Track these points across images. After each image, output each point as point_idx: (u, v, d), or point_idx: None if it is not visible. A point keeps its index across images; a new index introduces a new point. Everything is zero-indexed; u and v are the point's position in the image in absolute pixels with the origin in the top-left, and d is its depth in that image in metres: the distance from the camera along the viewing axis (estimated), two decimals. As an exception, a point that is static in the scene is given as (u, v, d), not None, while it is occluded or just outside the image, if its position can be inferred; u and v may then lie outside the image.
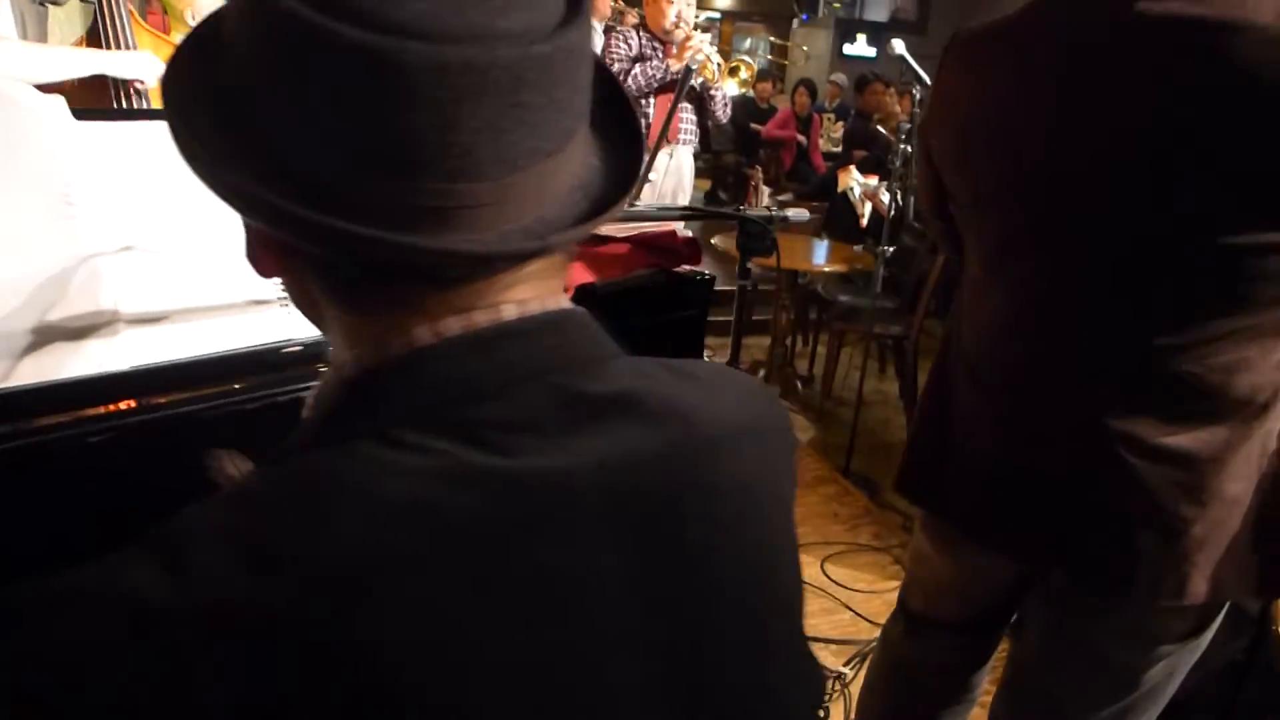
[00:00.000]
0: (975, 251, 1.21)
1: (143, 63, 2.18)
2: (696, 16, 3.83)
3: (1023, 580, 1.31)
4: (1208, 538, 1.07)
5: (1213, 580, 1.09)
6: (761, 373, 4.53)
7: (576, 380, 0.51)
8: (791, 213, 1.52)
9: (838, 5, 12.29)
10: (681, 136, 3.84)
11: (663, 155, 3.83)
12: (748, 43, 13.00)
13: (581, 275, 1.37)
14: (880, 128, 5.96)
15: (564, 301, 0.55)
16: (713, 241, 4.45)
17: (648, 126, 3.77)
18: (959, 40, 1.19)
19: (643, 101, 3.73)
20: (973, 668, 1.47)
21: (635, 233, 1.46)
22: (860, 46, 11.14)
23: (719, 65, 3.65)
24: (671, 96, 3.76)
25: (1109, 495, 1.10)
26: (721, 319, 4.91)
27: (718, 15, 11.94)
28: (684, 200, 4.04)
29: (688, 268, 1.47)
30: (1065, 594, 1.22)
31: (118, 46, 2.39)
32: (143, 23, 2.60)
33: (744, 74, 3.73)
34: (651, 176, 3.78)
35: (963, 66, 1.17)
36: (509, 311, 0.51)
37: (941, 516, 1.33)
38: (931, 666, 1.48)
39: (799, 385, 4.53)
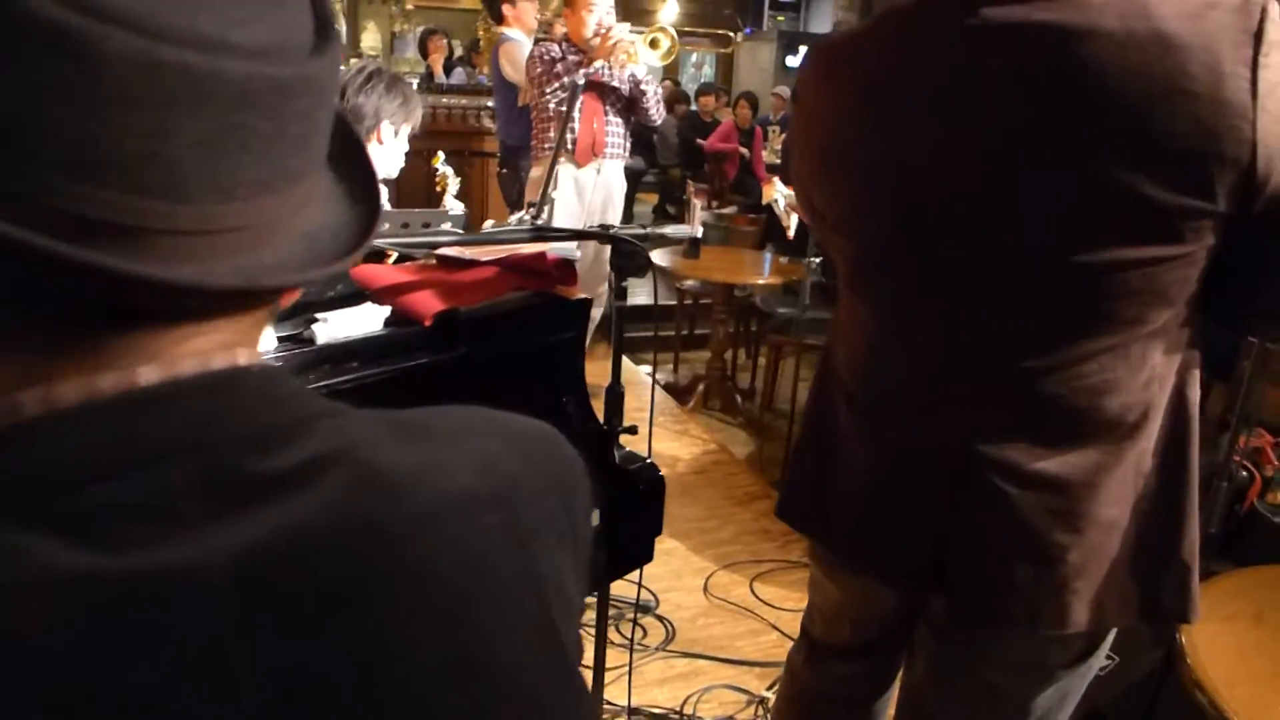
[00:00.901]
0: (841, 270, 1.16)
1: None
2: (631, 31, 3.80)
3: (910, 607, 1.26)
4: (1086, 565, 1.02)
5: (1094, 607, 1.04)
6: (702, 387, 4.49)
7: (238, 454, 0.44)
8: (670, 230, 1.46)
9: (781, 19, 12.42)
10: (609, 150, 3.79)
11: (589, 170, 3.78)
12: (694, 57, 13.06)
13: (438, 303, 1.30)
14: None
15: (244, 359, 0.47)
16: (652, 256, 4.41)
17: (574, 141, 3.72)
18: (816, 51, 1.14)
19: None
20: (872, 696, 1.41)
21: (504, 256, 1.39)
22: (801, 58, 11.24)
23: (642, 40, 3.61)
24: (598, 108, 3.71)
25: (983, 523, 1.05)
26: (664, 334, 4.85)
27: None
28: (614, 216, 3.98)
29: (560, 290, 1.41)
30: (948, 622, 1.17)
31: None
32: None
33: (665, 43, 3.68)
34: (555, 193, 3.73)
35: (818, 79, 1.12)
36: (149, 375, 0.43)
37: (821, 543, 1.28)
38: (830, 695, 1.42)
39: (739, 399, 4.49)
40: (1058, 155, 0.91)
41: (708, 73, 12.31)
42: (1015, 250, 0.96)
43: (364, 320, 1.25)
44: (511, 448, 0.56)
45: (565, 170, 3.75)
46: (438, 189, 3.06)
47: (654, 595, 2.62)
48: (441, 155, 3.10)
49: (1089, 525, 1.00)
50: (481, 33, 7.07)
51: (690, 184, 4.97)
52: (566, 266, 1.41)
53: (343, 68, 2.83)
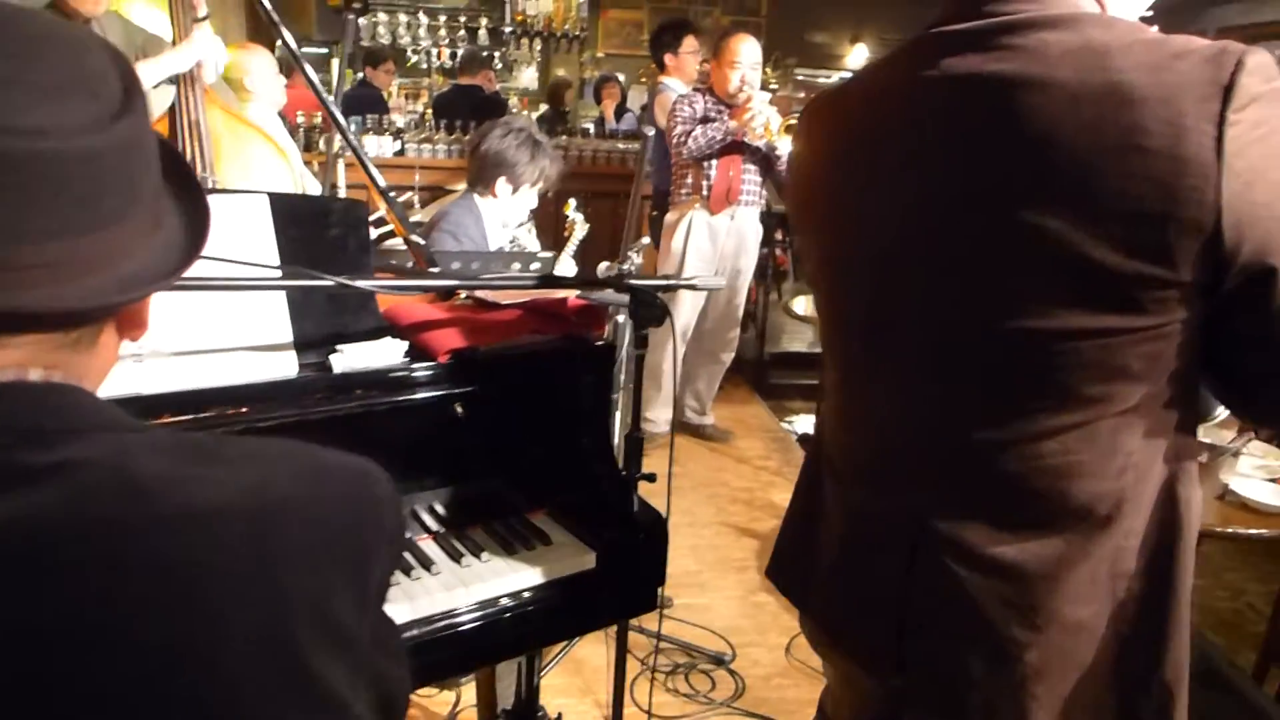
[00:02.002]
0: (819, 328, 1.13)
1: (198, 48, 2.46)
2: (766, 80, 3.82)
3: (888, 690, 1.17)
4: (1048, 668, 0.91)
5: (1061, 716, 0.93)
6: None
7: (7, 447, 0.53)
8: (700, 280, 1.45)
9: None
10: (743, 198, 3.80)
11: (723, 216, 3.80)
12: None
13: (456, 341, 1.36)
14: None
15: (35, 375, 0.56)
16: (792, 305, 4.35)
17: (709, 187, 3.76)
18: (808, 104, 1.13)
19: (704, 164, 3.73)
20: None
21: (529, 300, 1.44)
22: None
23: (780, 125, 3.60)
24: (735, 158, 3.74)
25: (937, 607, 0.97)
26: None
27: (849, 74, 11.83)
28: (747, 262, 3.97)
29: (584, 334, 1.44)
30: (910, 712, 1.08)
31: (192, 120, 2.64)
32: (217, 98, 2.87)
33: None
34: (689, 240, 3.76)
35: (804, 131, 1.10)
36: None
37: (804, 612, 1.22)
38: None
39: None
40: (1004, 212, 0.84)
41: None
42: (966, 313, 0.89)
43: (382, 354, 1.33)
44: (298, 478, 0.61)
45: (700, 216, 3.80)
46: (565, 234, 3.19)
47: (731, 648, 2.56)
48: (573, 202, 3.23)
49: (1050, 623, 0.90)
50: (644, 80, 7.29)
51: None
52: (589, 313, 1.44)
53: (489, 123, 3.05)
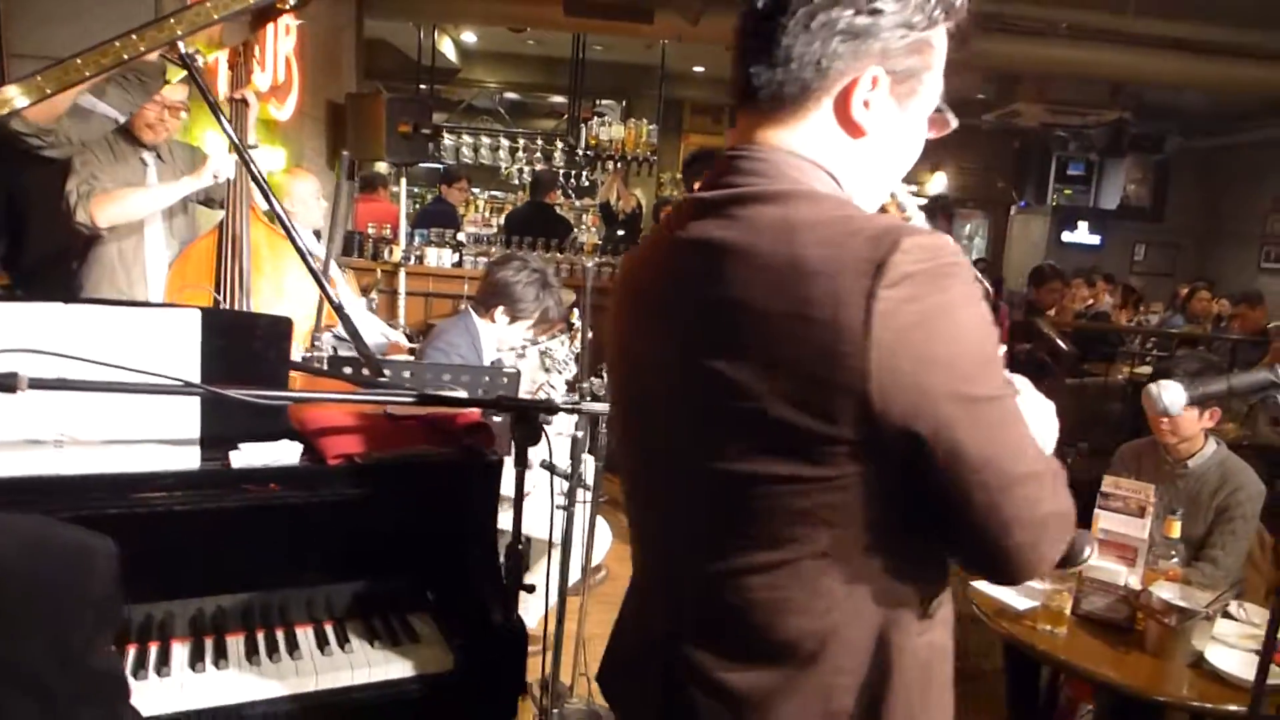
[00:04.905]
0: None
1: (218, 166, 2.74)
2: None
3: None
4: None
5: None
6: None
7: None
8: (587, 406, 1.56)
9: (1069, 191, 11.85)
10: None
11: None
12: (966, 227, 12.80)
13: (350, 446, 1.50)
14: (1045, 327, 5.64)
15: None
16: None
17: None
18: (625, 254, 1.26)
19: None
20: None
21: (428, 414, 1.58)
22: (1081, 234, 10.60)
23: None
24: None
25: None
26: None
27: (924, 200, 11.93)
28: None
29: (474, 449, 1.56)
30: None
31: (236, 235, 2.93)
32: (260, 216, 3.18)
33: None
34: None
35: (617, 281, 1.22)
36: None
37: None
38: None
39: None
40: (708, 364, 0.91)
41: (979, 244, 11.97)
42: (691, 454, 0.96)
43: (279, 453, 1.48)
44: (21, 549, 0.75)
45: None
46: (571, 340, 3.37)
47: None
48: (577, 310, 3.42)
49: None
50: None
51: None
52: (480, 429, 1.57)
53: (510, 251, 3.24)
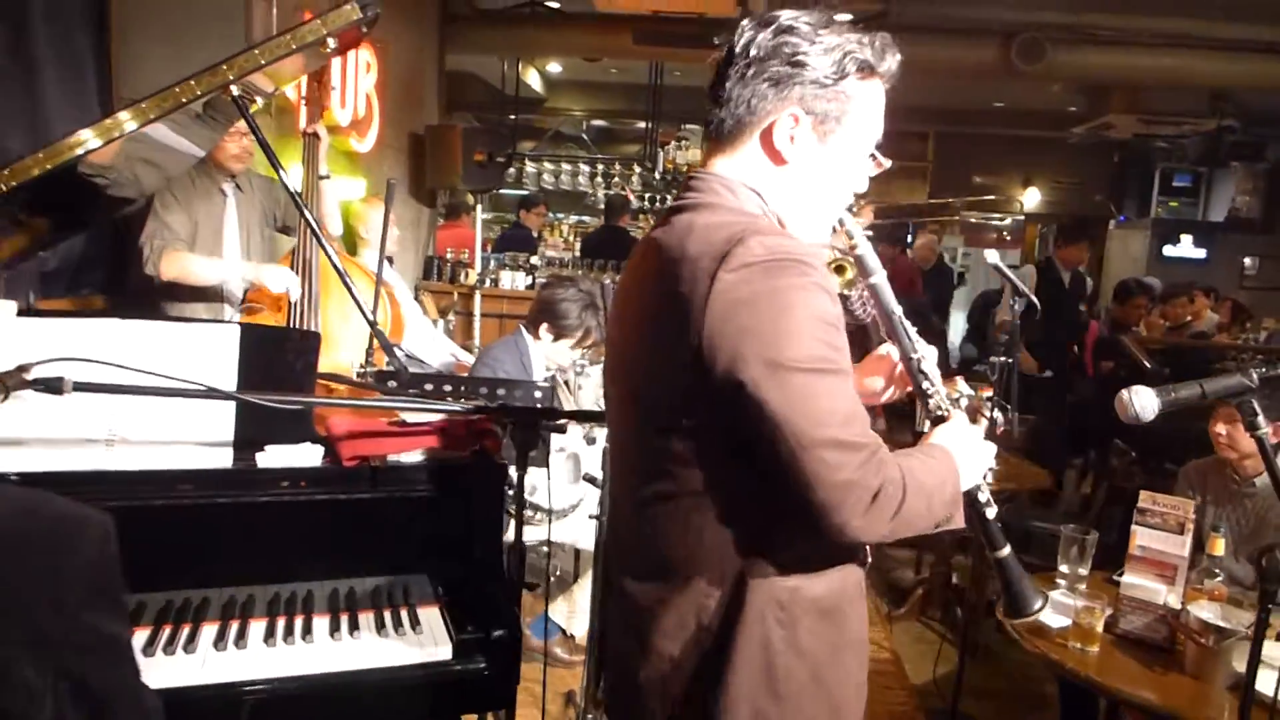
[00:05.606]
0: None
1: (278, 277, 2.91)
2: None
3: None
4: (651, 688, 1.15)
5: None
6: (919, 591, 4.19)
7: None
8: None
9: (1175, 204, 11.31)
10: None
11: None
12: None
13: (366, 449, 1.63)
14: (1130, 343, 5.44)
15: None
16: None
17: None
18: None
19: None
20: None
21: (439, 420, 1.70)
22: (1185, 248, 10.10)
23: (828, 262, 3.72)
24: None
25: (611, 629, 1.29)
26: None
27: (1021, 217, 11.59)
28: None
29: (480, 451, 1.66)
30: None
31: (306, 260, 3.12)
32: (331, 243, 3.39)
33: (849, 273, 3.72)
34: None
35: None
36: None
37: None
38: None
39: (959, 612, 4.09)
40: (636, 334, 1.17)
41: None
42: (620, 410, 1.22)
43: (301, 455, 1.62)
44: (16, 515, 0.89)
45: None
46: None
47: None
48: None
49: (651, 651, 1.15)
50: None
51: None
52: (488, 435, 1.67)
53: (581, 273, 3.34)
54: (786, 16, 1.11)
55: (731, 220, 1.08)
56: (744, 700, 1.10)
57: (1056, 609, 2.23)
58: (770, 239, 1.03)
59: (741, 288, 1.01)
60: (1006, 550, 1.28)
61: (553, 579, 3.77)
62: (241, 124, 3.08)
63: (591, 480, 2.69)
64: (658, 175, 7.87)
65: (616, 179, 8.22)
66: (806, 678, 1.11)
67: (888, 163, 1.19)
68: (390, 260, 3.98)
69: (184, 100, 1.88)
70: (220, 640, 1.49)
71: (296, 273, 3.09)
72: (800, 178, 1.15)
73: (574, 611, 3.16)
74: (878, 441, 1.04)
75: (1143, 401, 1.29)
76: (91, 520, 0.92)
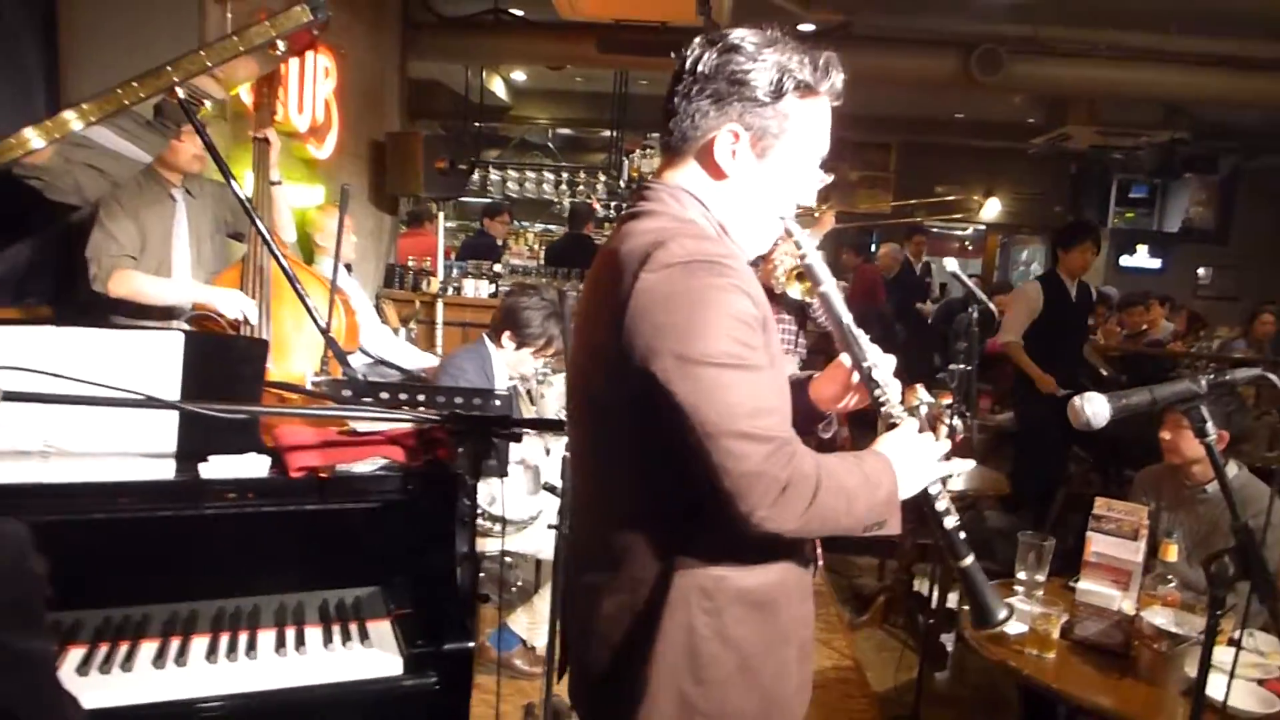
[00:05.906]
0: None
1: (231, 301, 2.83)
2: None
3: None
4: (598, 666, 1.22)
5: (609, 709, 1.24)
6: (882, 599, 4.20)
7: None
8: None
9: (1131, 214, 11.52)
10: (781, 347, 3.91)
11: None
12: (1024, 253, 12.56)
13: (313, 460, 1.59)
14: (1087, 354, 5.52)
15: None
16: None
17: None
18: None
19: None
20: None
21: (388, 431, 1.66)
22: (1141, 258, 10.31)
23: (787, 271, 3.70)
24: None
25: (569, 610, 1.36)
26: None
27: (983, 227, 11.76)
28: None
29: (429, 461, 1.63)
30: None
31: (258, 267, 3.03)
32: (283, 250, 3.31)
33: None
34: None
35: None
36: None
37: None
38: None
39: (921, 619, 4.11)
40: (584, 326, 1.24)
41: (1035, 269, 11.71)
42: (575, 401, 1.28)
43: (246, 466, 1.58)
44: None
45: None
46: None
47: None
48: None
49: (593, 635, 1.22)
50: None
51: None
52: (439, 445, 1.64)
53: (545, 282, 3.29)
54: (735, 35, 1.16)
55: (663, 225, 1.13)
56: (668, 682, 1.14)
57: (1014, 615, 2.24)
58: (691, 242, 1.08)
59: (661, 286, 1.06)
60: (970, 559, 1.27)
61: (514, 589, 3.73)
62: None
63: (551, 489, 2.66)
64: (622, 183, 7.87)
65: (581, 187, 8.21)
66: (733, 667, 1.14)
67: (829, 177, 1.25)
68: (349, 268, 3.92)
69: (126, 102, 1.83)
70: (160, 658, 1.44)
71: (249, 280, 3.02)
72: (740, 191, 1.20)
73: (535, 622, 3.12)
74: (791, 437, 1.08)
75: (1094, 408, 1.30)
76: (3, 531, 0.88)
